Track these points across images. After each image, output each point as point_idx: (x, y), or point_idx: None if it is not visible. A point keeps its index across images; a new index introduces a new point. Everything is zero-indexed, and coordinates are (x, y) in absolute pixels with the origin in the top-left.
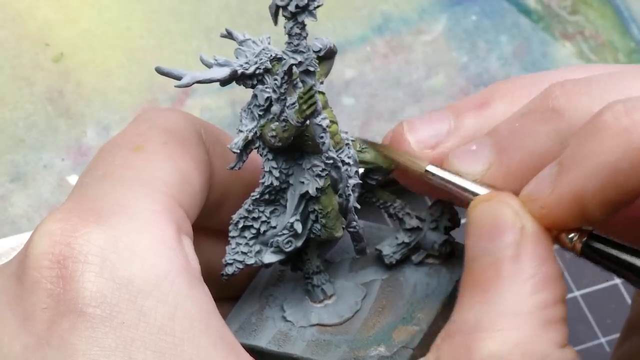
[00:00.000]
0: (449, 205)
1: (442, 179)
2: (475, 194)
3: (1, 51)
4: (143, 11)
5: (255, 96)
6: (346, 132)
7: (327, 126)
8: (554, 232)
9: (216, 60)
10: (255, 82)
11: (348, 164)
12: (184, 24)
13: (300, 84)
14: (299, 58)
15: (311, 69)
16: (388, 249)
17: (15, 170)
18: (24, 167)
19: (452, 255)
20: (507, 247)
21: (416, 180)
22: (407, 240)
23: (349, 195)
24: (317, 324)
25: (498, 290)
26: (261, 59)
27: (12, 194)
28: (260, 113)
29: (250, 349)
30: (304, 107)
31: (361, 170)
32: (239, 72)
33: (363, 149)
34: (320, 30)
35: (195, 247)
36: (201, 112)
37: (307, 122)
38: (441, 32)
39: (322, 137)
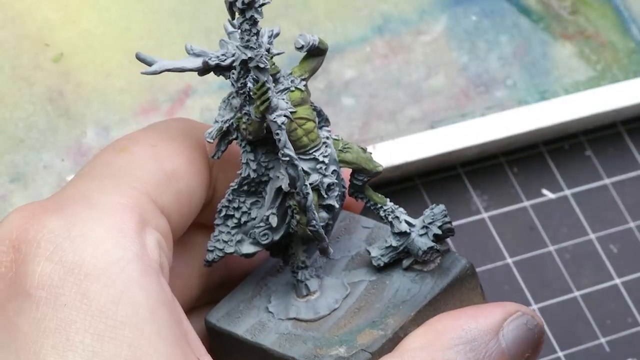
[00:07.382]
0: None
1: None
2: None
3: (1, 51)
4: (143, 12)
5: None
6: (329, 131)
7: (282, 123)
8: None
9: (192, 50)
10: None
11: (323, 162)
12: (184, 24)
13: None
14: (249, 54)
15: (261, 65)
16: (377, 251)
17: (15, 170)
18: (24, 167)
19: (439, 264)
20: None
21: None
22: (394, 244)
23: (307, 193)
24: (294, 318)
25: None
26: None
27: (12, 194)
28: (238, 105)
29: (228, 336)
30: (258, 103)
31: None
32: (212, 63)
33: (345, 148)
34: (320, 30)
35: (202, 244)
36: (201, 112)
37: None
38: (441, 32)
39: (277, 134)
